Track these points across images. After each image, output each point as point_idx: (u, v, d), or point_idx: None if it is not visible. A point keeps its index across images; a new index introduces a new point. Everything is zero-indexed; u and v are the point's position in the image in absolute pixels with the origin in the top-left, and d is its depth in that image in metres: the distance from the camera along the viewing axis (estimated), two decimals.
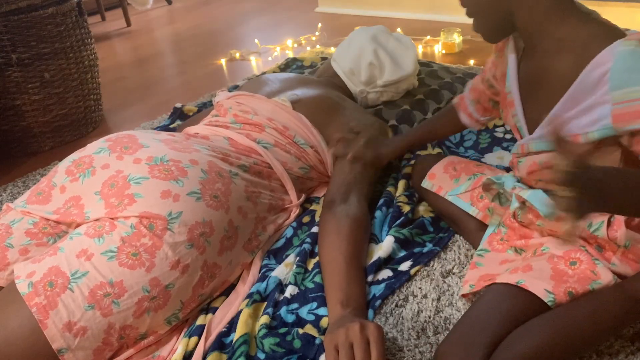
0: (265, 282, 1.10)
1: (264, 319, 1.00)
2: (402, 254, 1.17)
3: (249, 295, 1.07)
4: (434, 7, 2.87)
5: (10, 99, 1.83)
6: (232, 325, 1.02)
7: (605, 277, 0.88)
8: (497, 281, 0.92)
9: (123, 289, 0.94)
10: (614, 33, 0.83)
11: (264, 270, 1.14)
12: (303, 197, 1.31)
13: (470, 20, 0.95)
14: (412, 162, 1.40)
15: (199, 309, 1.07)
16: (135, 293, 0.94)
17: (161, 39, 3.30)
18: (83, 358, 0.92)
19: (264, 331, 0.97)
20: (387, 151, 1.31)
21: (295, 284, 1.09)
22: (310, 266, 1.14)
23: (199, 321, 1.03)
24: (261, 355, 0.96)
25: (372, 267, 1.12)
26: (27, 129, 1.90)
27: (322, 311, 1.03)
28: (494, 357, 0.82)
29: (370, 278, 1.10)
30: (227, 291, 1.11)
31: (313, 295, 1.07)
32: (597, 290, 0.88)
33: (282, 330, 0.98)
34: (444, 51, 2.42)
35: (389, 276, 1.11)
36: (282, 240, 1.22)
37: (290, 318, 1.02)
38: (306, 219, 1.28)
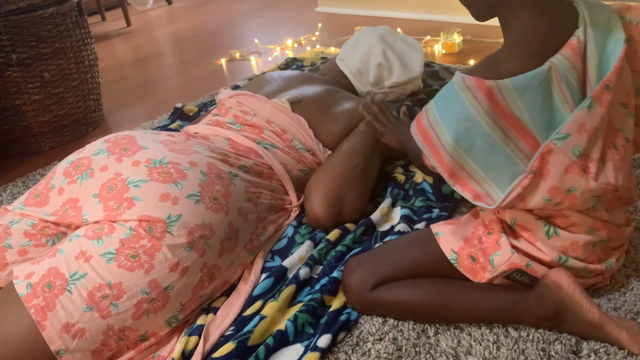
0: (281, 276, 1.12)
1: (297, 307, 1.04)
2: (414, 218, 1.26)
3: (266, 292, 1.08)
4: (434, 7, 2.86)
5: (10, 99, 1.83)
6: (241, 325, 1.02)
7: (504, 249, 0.93)
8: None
9: (122, 290, 0.93)
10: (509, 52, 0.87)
11: (272, 270, 1.14)
12: (303, 197, 1.31)
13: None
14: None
15: (199, 310, 1.07)
16: (134, 295, 0.94)
17: (161, 39, 3.30)
18: (81, 359, 0.92)
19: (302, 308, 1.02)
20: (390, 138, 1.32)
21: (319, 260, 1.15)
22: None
23: (200, 321, 1.03)
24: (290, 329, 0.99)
25: (385, 234, 1.21)
26: (27, 129, 1.90)
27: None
28: (379, 288, 0.99)
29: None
30: (228, 291, 1.11)
31: (337, 263, 1.13)
32: (484, 284, 0.96)
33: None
34: (444, 51, 2.42)
35: (407, 231, 1.19)
36: (285, 240, 1.22)
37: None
38: (306, 219, 1.28)
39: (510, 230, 0.96)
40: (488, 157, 0.86)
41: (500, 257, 0.94)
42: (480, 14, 0.93)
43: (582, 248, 0.93)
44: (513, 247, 0.94)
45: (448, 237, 0.99)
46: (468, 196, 0.90)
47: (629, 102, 0.88)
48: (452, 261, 0.97)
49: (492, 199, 0.88)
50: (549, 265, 0.94)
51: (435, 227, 1.02)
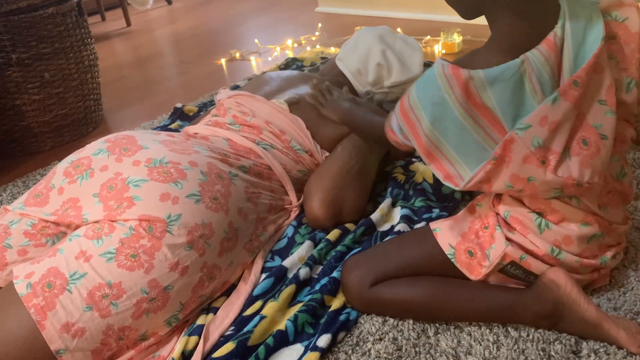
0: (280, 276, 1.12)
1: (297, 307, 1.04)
2: (414, 218, 1.26)
3: (266, 292, 1.08)
4: (434, 7, 2.86)
5: (10, 99, 1.83)
6: (241, 325, 1.02)
7: (499, 241, 0.95)
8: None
9: (121, 290, 0.93)
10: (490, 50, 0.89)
11: (272, 270, 1.14)
12: (302, 197, 1.31)
13: (470, 21, 0.97)
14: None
15: (199, 309, 1.07)
16: (134, 294, 0.94)
17: (161, 39, 3.30)
18: (81, 359, 0.92)
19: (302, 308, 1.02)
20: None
21: (319, 260, 1.16)
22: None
23: (200, 321, 1.03)
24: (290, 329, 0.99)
25: (385, 234, 1.21)
26: (27, 129, 1.90)
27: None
28: (378, 285, 1.00)
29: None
30: (228, 291, 1.11)
31: (337, 264, 1.13)
32: (482, 283, 0.97)
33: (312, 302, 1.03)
34: (444, 51, 2.42)
35: (407, 231, 1.19)
36: (285, 240, 1.22)
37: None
38: (306, 219, 1.28)
39: (505, 223, 0.97)
40: (459, 142, 0.89)
41: (495, 249, 0.94)
42: (466, 13, 0.95)
43: (575, 242, 0.94)
44: (507, 239, 0.94)
45: (445, 232, 1.00)
46: (439, 175, 0.94)
47: (609, 99, 0.88)
48: (449, 256, 0.98)
49: (462, 179, 0.92)
50: (542, 259, 0.95)
51: (433, 224, 1.03)
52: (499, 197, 1.00)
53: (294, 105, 1.37)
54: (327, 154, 1.35)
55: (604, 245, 0.98)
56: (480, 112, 0.87)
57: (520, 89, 0.86)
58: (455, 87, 0.86)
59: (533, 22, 0.87)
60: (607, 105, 0.88)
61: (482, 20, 0.94)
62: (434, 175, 1.37)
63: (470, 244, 0.97)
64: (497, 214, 0.98)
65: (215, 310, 1.06)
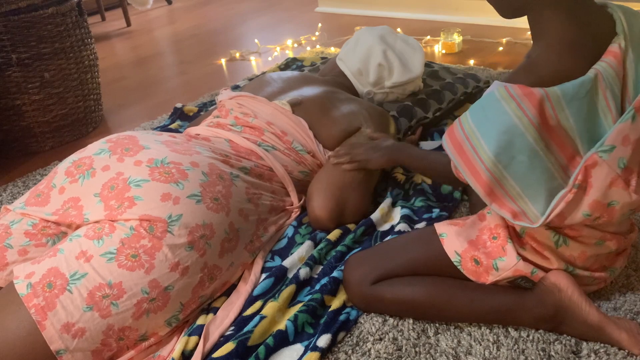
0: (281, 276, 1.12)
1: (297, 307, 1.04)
2: (415, 218, 1.26)
3: (267, 292, 1.08)
4: (434, 7, 2.86)
5: (10, 99, 1.83)
6: (241, 325, 1.01)
7: (510, 255, 0.92)
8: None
9: (122, 290, 0.93)
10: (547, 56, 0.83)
11: (272, 270, 1.14)
12: (304, 198, 1.31)
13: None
14: None
15: (199, 310, 1.07)
16: (134, 294, 0.94)
17: (161, 39, 3.30)
18: (81, 359, 0.92)
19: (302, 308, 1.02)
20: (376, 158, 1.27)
21: (319, 260, 1.16)
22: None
23: (200, 321, 1.03)
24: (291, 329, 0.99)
25: (385, 234, 1.21)
26: (27, 129, 1.90)
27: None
28: (380, 283, 0.99)
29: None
30: (228, 291, 1.11)
31: (337, 264, 1.13)
32: (486, 285, 0.96)
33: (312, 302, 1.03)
34: (444, 51, 2.42)
35: (407, 231, 1.19)
36: (285, 240, 1.22)
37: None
38: (306, 219, 1.28)
39: (516, 237, 0.95)
40: (526, 172, 0.83)
41: (506, 262, 0.93)
42: (506, 12, 0.90)
43: (589, 258, 0.93)
44: (519, 254, 0.92)
45: (452, 239, 0.98)
46: (507, 215, 0.86)
47: None
48: (455, 263, 0.97)
49: (528, 217, 0.85)
50: None
51: (440, 228, 1.01)
52: None
53: (297, 106, 1.37)
54: (330, 154, 1.35)
55: (613, 255, 0.97)
56: (551, 135, 0.82)
57: (594, 106, 0.82)
58: (527, 110, 0.80)
59: (585, 27, 0.83)
60: None
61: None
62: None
63: (477, 252, 0.95)
64: (509, 225, 0.95)
65: (215, 310, 1.06)
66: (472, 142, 0.83)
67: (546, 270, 0.94)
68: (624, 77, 0.84)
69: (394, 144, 1.25)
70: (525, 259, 0.93)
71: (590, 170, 0.81)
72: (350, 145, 1.30)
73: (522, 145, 0.81)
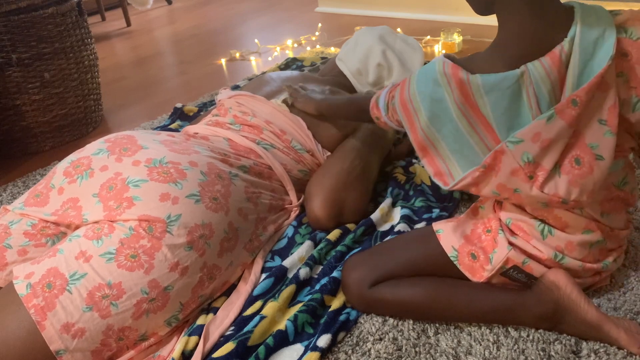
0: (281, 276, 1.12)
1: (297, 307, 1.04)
2: (414, 218, 1.27)
3: (267, 292, 1.08)
4: (434, 7, 2.86)
5: (10, 99, 1.83)
6: (241, 325, 1.01)
7: (501, 246, 0.94)
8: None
9: (121, 290, 0.93)
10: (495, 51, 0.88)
11: (272, 270, 1.14)
12: (303, 197, 1.31)
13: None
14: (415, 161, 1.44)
15: (199, 310, 1.07)
16: (134, 295, 0.94)
17: (161, 39, 3.30)
18: (81, 359, 0.92)
19: (302, 308, 1.02)
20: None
21: (319, 260, 1.16)
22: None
23: (199, 321, 1.03)
24: (290, 329, 0.99)
25: (385, 234, 1.21)
26: (27, 129, 1.90)
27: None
28: (378, 285, 1.00)
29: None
30: (228, 291, 1.11)
31: (337, 263, 1.14)
32: (483, 284, 0.97)
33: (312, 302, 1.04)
34: (444, 51, 2.42)
35: (407, 231, 1.20)
36: (285, 240, 1.22)
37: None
38: (306, 219, 1.28)
39: (507, 227, 0.97)
40: (454, 141, 0.90)
41: (498, 253, 0.94)
42: (479, 9, 0.93)
43: (578, 248, 0.94)
44: (510, 243, 0.94)
45: (449, 235, 0.99)
46: (430, 171, 0.94)
47: (610, 119, 0.85)
48: (452, 258, 0.97)
49: (453, 178, 0.92)
50: (545, 263, 0.94)
51: (436, 225, 1.02)
52: (500, 203, 0.99)
53: (294, 106, 1.37)
54: (329, 153, 1.35)
55: (605, 250, 0.98)
56: (477, 116, 0.87)
57: (517, 101, 0.85)
58: (453, 88, 0.86)
59: (544, 29, 0.84)
60: (607, 125, 0.85)
61: (482, 21, 0.94)
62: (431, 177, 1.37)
63: (473, 247, 0.97)
64: (500, 217, 0.98)
65: (215, 310, 1.06)
66: (414, 103, 0.92)
67: (537, 259, 0.94)
68: (563, 79, 0.84)
69: (324, 97, 1.36)
70: (516, 248, 0.94)
71: (500, 157, 0.87)
72: (305, 87, 1.41)
73: (449, 118, 0.88)
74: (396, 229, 1.20)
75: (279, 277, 1.11)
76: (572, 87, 0.84)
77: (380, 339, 0.98)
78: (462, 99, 0.86)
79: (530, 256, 0.94)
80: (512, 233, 0.96)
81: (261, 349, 0.95)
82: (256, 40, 2.80)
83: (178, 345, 0.98)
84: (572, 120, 0.84)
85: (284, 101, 1.38)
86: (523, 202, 0.91)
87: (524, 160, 0.86)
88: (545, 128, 0.84)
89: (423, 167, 1.41)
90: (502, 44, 0.88)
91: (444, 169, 0.93)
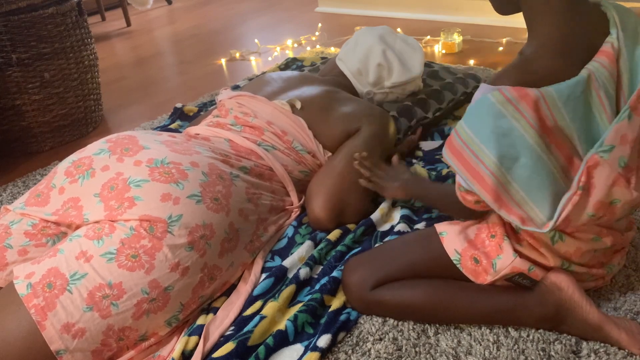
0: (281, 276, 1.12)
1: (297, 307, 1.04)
2: (414, 218, 1.26)
3: (267, 292, 1.08)
4: (434, 7, 2.86)
5: (10, 99, 1.83)
6: (241, 325, 1.01)
7: (506, 253, 0.93)
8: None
9: (122, 290, 0.93)
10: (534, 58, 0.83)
11: (272, 270, 1.14)
12: (304, 198, 1.31)
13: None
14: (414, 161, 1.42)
15: (199, 310, 1.07)
16: (134, 295, 0.94)
17: (161, 39, 3.30)
18: (81, 359, 0.92)
19: (302, 308, 1.02)
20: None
21: (319, 260, 1.15)
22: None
23: (200, 321, 1.03)
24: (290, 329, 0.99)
25: (385, 234, 1.21)
26: (27, 128, 1.90)
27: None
28: (380, 287, 0.99)
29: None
30: (228, 291, 1.11)
31: (337, 263, 1.13)
32: (484, 285, 0.96)
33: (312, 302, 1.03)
34: (444, 51, 2.42)
35: (407, 231, 1.19)
36: (285, 240, 1.22)
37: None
38: (307, 219, 1.28)
39: (513, 233, 0.95)
40: (530, 175, 0.81)
41: (503, 260, 0.93)
42: (502, 8, 0.90)
43: (584, 254, 0.93)
44: (515, 251, 0.93)
45: (452, 237, 0.98)
46: (515, 221, 0.84)
47: None
48: (455, 261, 0.97)
49: (534, 222, 0.84)
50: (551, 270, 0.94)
51: (440, 227, 1.01)
52: None
53: (296, 106, 1.37)
54: (330, 154, 1.35)
55: (610, 252, 0.98)
56: (549, 136, 0.81)
57: (588, 106, 0.82)
58: (525, 112, 0.79)
59: (580, 24, 0.83)
60: None
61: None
62: (430, 176, 1.37)
63: (476, 251, 0.96)
64: (505, 223, 0.95)
65: (215, 310, 1.06)
66: (472, 148, 0.82)
67: (543, 266, 0.94)
68: (618, 77, 0.83)
69: (410, 178, 1.22)
70: (522, 256, 0.93)
71: (593, 171, 0.81)
72: (376, 163, 1.27)
73: (523, 148, 0.80)
74: (396, 229, 1.20)
75: (279, 277, 1.11)
76: (630, 84, 0.83)
77: (380, 339, 0.98)
78: (537, 121, 0.79)
79: (536, 263, 0.93)
80: (518, 239, 0.94)
81: (261, 349, 0.95)
82: (256, 40, 2.80)
83: (178, 345, 0.98)
84: None
85: (290, 102, 1.37)
86: (614, 217, 0.86)
87: (621, 166, 0.81)
88: (629, 128, 0.82)
89: (423, 167, 1.42)
90: (546, 38, 0.83)
91: (524, 214, 0.84)
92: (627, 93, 0.84)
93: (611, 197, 0.83)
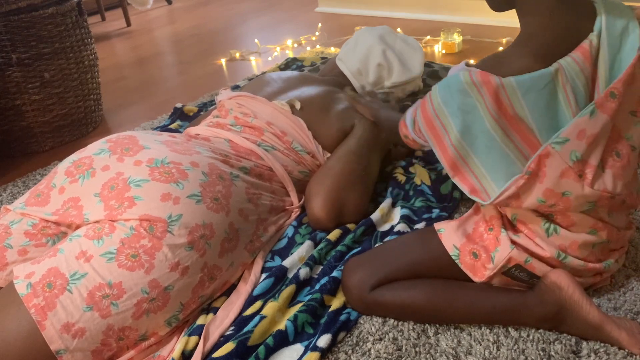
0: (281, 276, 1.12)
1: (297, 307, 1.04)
2: (414, 218, 1.26)
3: (267, 292, 1.08)
4: (434, 7, 2.86)
5: (10, 99, 1.83)
6: (241, 325, 1.01)
7: (504, 245, 0.93)
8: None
9: (122, 290, 0.93)
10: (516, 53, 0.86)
11: (272, 270, 1.14)
12: (304, 198, 1.31)
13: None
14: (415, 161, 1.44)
15: (199, 310, 1.07)
16: (134, 294, 0.94)
17: (161, 39, 3.30)
18: (81, 359, 0.92)
19: (302, 308, 1.02)
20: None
21: (319, 260, 1.16)
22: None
23: (200, 321, 1.03)
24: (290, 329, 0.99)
25: (385, 234, 1.21)
26: (27, 128, 1.90)
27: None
28: (380, 287, 0.99)
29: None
30: (228, 291, 1.11)
31: (337, 263, 1.14)
32: (484, 285, 0.97)
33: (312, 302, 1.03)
34: (444, 51, 2.42)
35: (407, 231, 1.20)
36: (285, 240, 1.22)
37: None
38: (306, 219, 1.28)
39: (510, 225, 0.96)
40: (488, 154, 0.87)
41: (500, 252, 0.94)
42: (497, 5, 0.92)
43: (581, 248, 0.93)
44: (512, 242, 0.94)
45: (450, 233, 0.99)
46: (465, 189, 0.91)
47: (639, 110, 0.87)
48: (453, 257, 0.97)
49: (488, 194, 0.89)
50: (547, 261, 0.94)
51: (438, 225, 1.02)
52: None
53: (296, 107, 1.37)
54: (329, 154, 1.35)
55: (607, 250, 0.98)
56: (511, 123, 0.84)
57: (554, 100, 0.83)
58: (486, 97, 0.83)
59: (567, 24, 0.84)
60: (637, 116, 0.87)
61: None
62: (430, 176, 1.37)
63: (475, 245, 0.96)
64: (503, 215, 0.97)
65: (215, 310, 1.06)
66: (441, 118, 0.88)
67: (540, 258, 0.94)
68: (594, 74, 0.84)
69: (378, 107, 1.40)
70: (518, 247, 0.93)
71: (544, 160, 0.85)
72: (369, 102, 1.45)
73: (481, 129, 0.85)
74: (396, 229, 1.20)
75: (279, 277, 1.11)
76: (606, 81, 0.84)
77: (380, 339, 0.98)
78: (495, 107, 0.83)
79: (533, 254, 0.94)
80: (515, 231, 0.96)
81: (261, 349, 0.95)
82: (256, 40, 2.80)
83: (178, 345, 0.98)
84: (612, 113, 0.84)
85: (289, 102, 1.38)
86: (570, 207, 0.88)
87: (573, 160, 0.84)
88: (589, 124, 0.83)
89: (424, 167, 1.42)
90: (528, 40, 0.85)
91: (478, 186, 0.90)
92: (601, 90, 0.85)
93: (561, 188, 0.86)
